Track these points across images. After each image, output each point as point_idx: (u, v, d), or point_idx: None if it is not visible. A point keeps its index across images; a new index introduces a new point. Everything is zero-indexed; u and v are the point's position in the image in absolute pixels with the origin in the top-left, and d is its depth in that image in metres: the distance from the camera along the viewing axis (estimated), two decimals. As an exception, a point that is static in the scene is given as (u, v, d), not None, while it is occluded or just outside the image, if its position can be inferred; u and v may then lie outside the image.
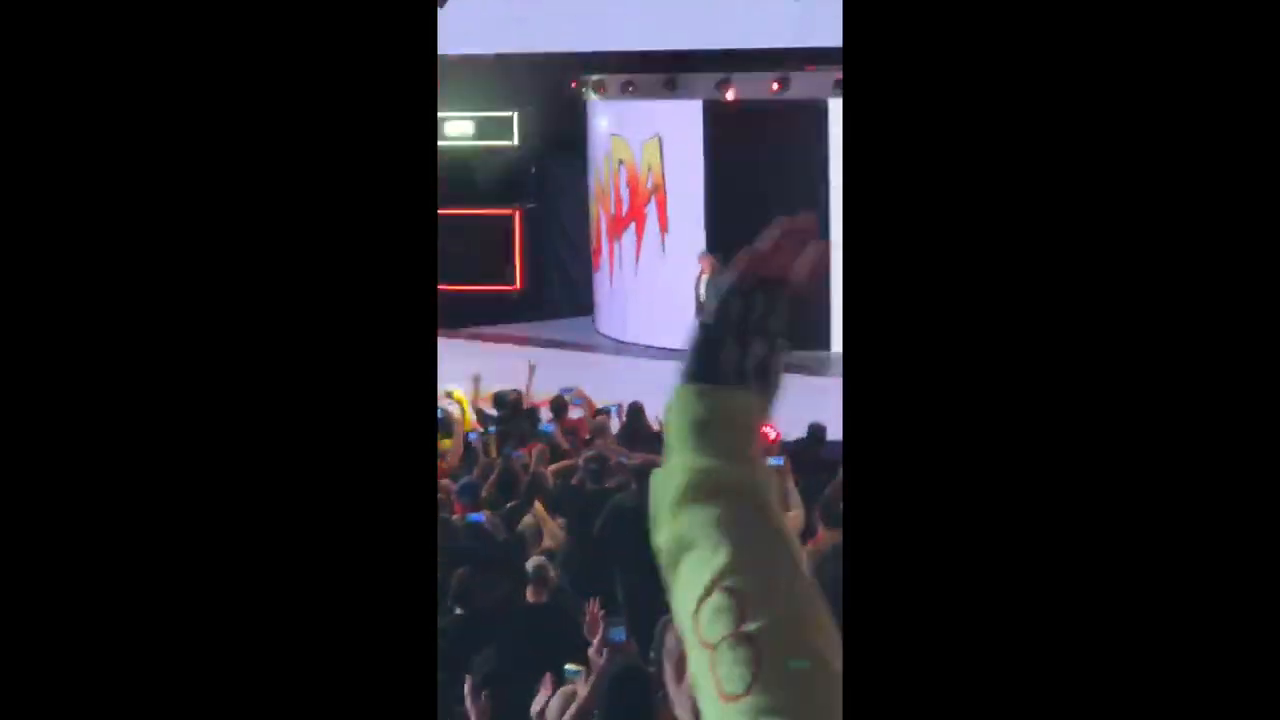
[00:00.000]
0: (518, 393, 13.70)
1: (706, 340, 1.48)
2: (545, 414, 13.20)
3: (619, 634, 6.36)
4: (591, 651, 6.33)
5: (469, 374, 13.82)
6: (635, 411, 12.70)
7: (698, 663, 1.37)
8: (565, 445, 12.02)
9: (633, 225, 21.49)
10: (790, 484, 10.22)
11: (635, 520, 5.74)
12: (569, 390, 13.46)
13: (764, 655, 1.33)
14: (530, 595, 8.18)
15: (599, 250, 22.35)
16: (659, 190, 21.04)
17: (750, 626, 1.35)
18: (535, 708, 5.41)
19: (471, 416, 13.32)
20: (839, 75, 18.66)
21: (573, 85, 21.35)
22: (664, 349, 17.70)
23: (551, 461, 11.24)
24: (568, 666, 6.80)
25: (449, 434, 12.25)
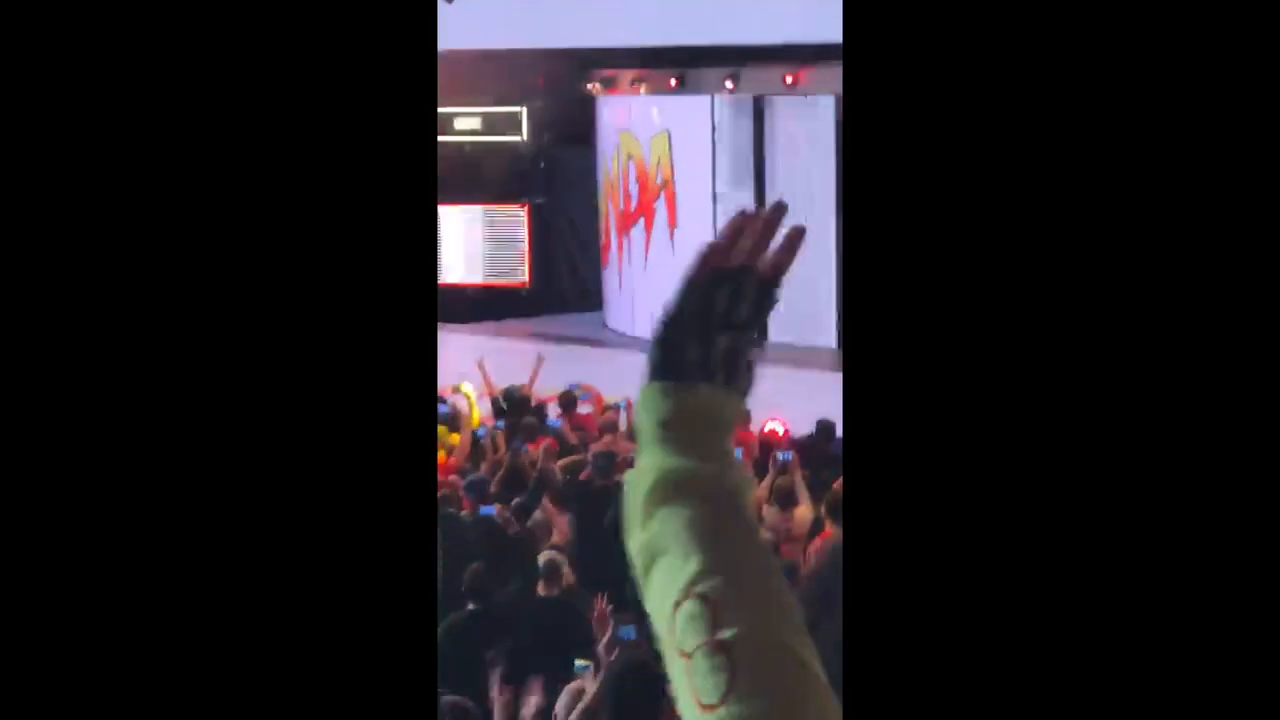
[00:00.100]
0: (527, 387, 13.71)
1: (667, 337, 1.44)
2: (554, 409, 13.20)
3: (629, 631, 6.35)
4: (600, 648, 6.33)
5: (475, 361, 13.82)
6: (644, 407, 12.65)
7: (675, 672, 1.34)
8: (574, 440, 12.01)
9: (641, 221, 21.49)
10: (799, 479, 10.22)
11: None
12: (577, 385, 13.45)
13: (739, 663, 1.31)
14: (542, 589, 8.18)
15: (608, 246, 22.36)
16: (668, 185, 21.04)
17: (725, 634, 1.32)
18: (526, 711, 5.40)
19: (479, 412, 13.32)
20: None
21: (589, 86, 21.34)
22: (673, 344, 17.60)
23: (560, 457, 11.24)
24: (576, 662, 6.80)
25: (457, 429, 12.26)
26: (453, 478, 10.46)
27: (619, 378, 14.25)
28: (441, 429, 11.98)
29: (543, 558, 8.42)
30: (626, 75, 20.80)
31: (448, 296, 20.00)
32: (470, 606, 8.10)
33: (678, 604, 1.35)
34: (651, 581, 1.40)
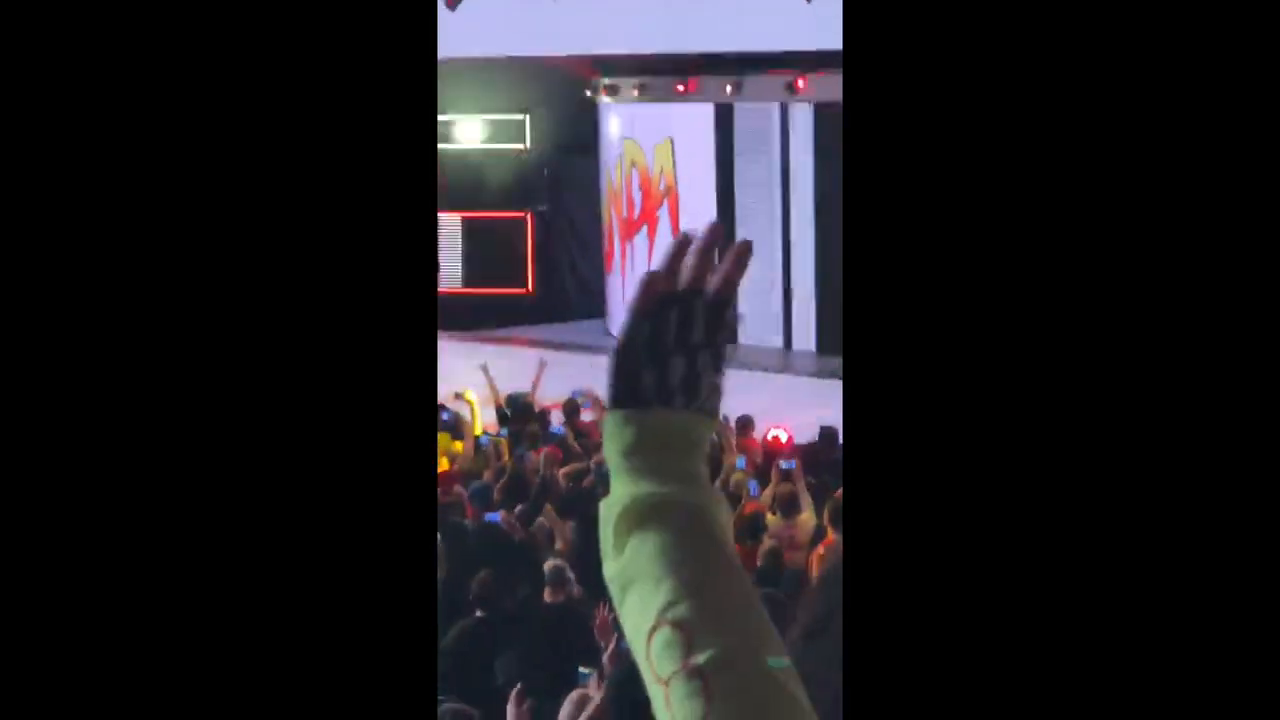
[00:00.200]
0: (530, 395, 13.72)
1: (621, 366, 1.44)
2: (557, 416, 13.20)
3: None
4: (605, 656, 6.33)
5: (480, 365, 13.84)
6: (647, 414, 12.65)
7: (655, 699, 1.34)
8: (577, 448, 12.02)
9: (645, 228, 21.49)
10: (801, 486, 10.23)
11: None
12: (581, 393, 13.46)
13: (716, 687, 1.31)
14: (548, 596, 8.19)
15: (611, 253, 22.37)
16: (671, 193, 21.05)
17: (699, 658, 1.32)
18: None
19: (482, 419, 13.33)
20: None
21: (597, 93, 21.38)
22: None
23: (563, 464, 11.24)
24: (581, 669, 6.80)
25: (460, 436, 12.27)
26: (457, 489, 10.46)
27: (622, 385, 14.20)
28: (444, 436, 11.99)
29: (549, 565, 8.42)
30: (629, 82, 20.82)
31: (450, 304, 20.03)
32: (478, 613, 8.10)
33: (652, 631, 1.36)
34: (626, 610, 1.40)
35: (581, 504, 9.99)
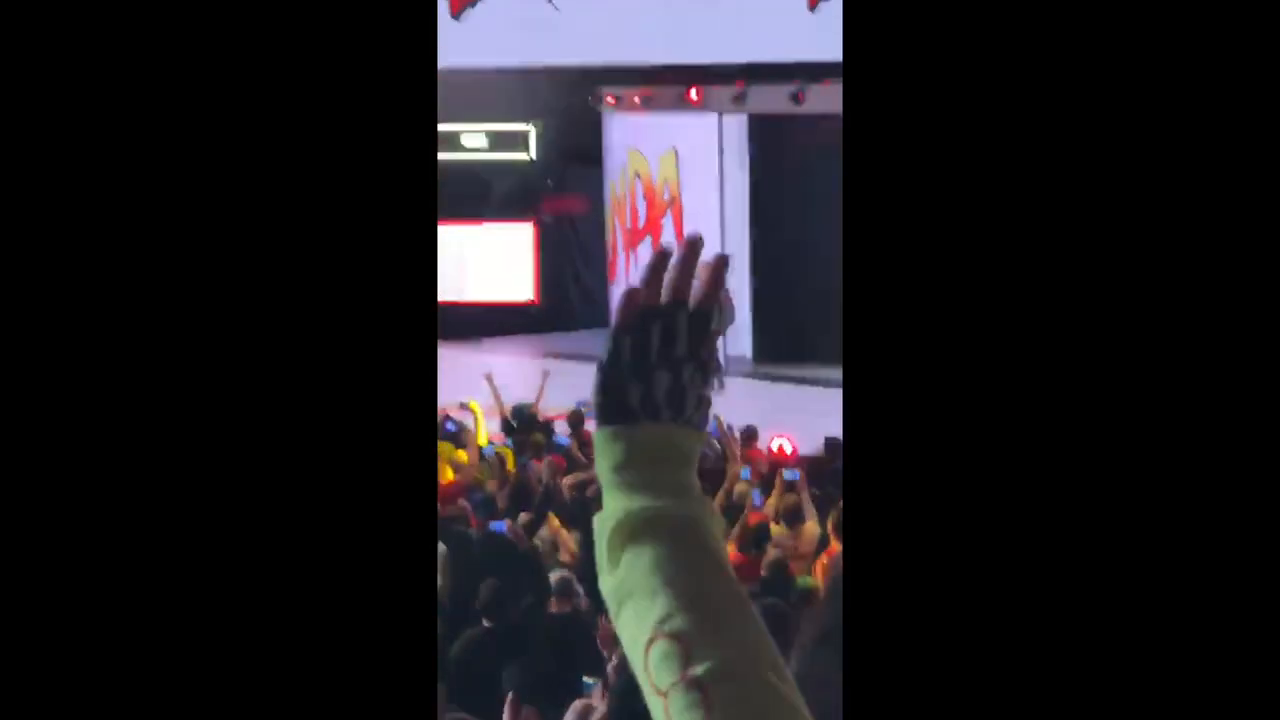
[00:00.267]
0: (535, 406, 13.72)
1: (607, 382, 1.46)
2: (562, 427, 13.19)
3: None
4: (610, 667, 6.33)
5: (484, 375, 13.84)
6: (651, 424, 12.63)
7: (654, 711, 1.35)
8: (582, 458, 12.01)
9: (649, 238, 21.50)
10: (805, 497, 10.23)
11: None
12: (585, 403, 13.44)
13: (715, 698, 1.32)
14: (554, 606, 8.19)
15: (615, 262, 22.37)
16: (675, 203, 21.06)
17: (697, 669, 1.33)
18: None
19: (486, 430, 13.32)
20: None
21: (606, 100, 21.39)
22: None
23: (568, 474, 11.24)
24: (585, 679, 6.79)
25: (463, 446, 12.26)
26: (462, 503, 10.44)
27: (626, 395, 14.19)
28: (448, 446, 11.99)
29: (555, 576, 8.42)
30: (634, 93, 20.83)
31: (454, 314, 20.01)
32: (485, 623, 8.09)
33: (649, 643, 1.37)
34: (623, 623, 1.41)
35: (586, 514, 9.98)
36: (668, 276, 1.46)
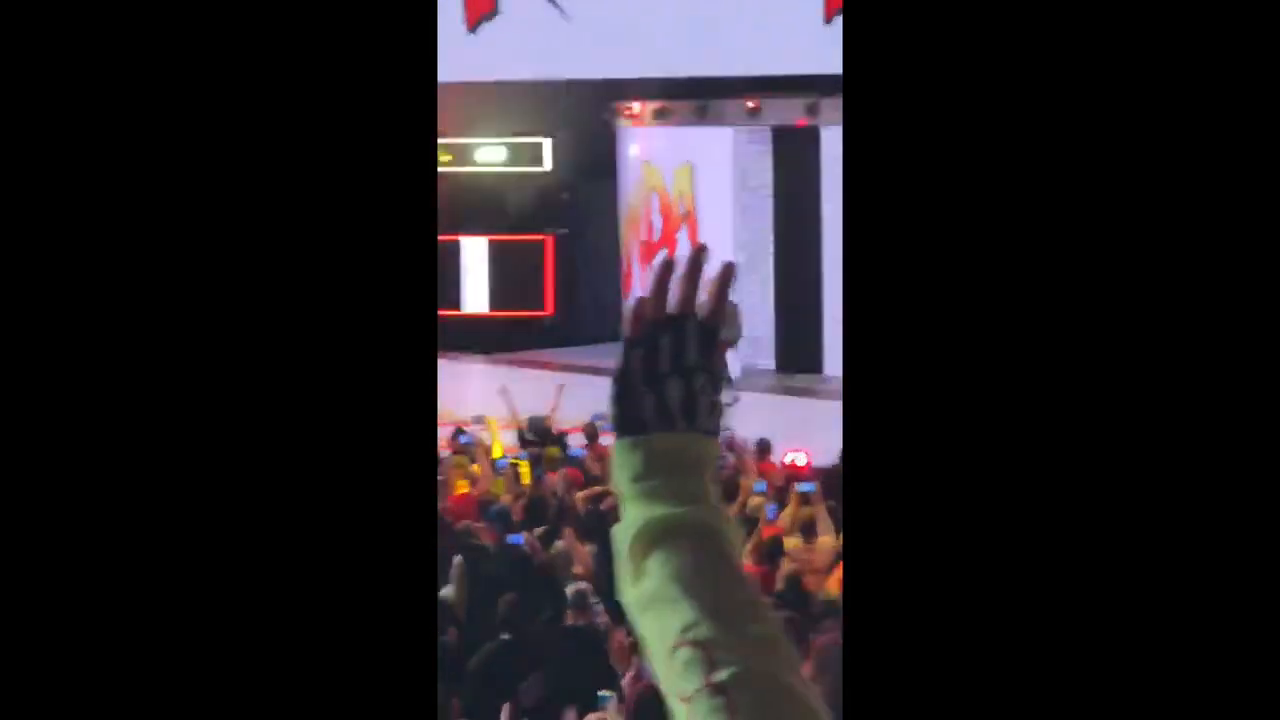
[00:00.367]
0: (550, 419, 13.73)
1: (620, 394, 1.48)
2: (577, 439, 13.19)
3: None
4: (624, 681, 6.32)
5: (498, 390, 13.86)
6: (667, 437, 12.62)
7: (677, 717, 1.36)
8: (597, 471, 12.01)
9: (664, 251, 21.50)
10: (822, 510, 10.22)
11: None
12: (601, 416, 13.44)
13: (738, 703, 1.33)
14: (570, 619, 8.19)
15: (630, 276, 22.38)
16: (690, 216, 21.07)
17: (720, 675, 1.34)
18: None
19: (501, 442, 13.33)
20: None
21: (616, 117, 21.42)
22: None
23: (584, 488, 11.23)
24: (600, 693, 6.78)
25: (477, 459, 12.26)
26: (476, 525, 10.43)
27: (641, 408, 14.19)
28: (463, 459, 12.00)
29: (572, 589, 8.42)
30: (649, 106, 20.84)
31: (470, 327, 20.02)
32: (504, 636, 8.10)
33: (672, 651, 1.38)
34: (646, 631, 1.42)
35: (602, 527, 9.97)
36: (673, 287, 1.47)
